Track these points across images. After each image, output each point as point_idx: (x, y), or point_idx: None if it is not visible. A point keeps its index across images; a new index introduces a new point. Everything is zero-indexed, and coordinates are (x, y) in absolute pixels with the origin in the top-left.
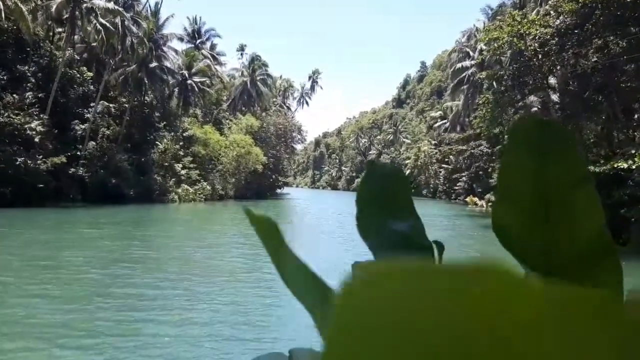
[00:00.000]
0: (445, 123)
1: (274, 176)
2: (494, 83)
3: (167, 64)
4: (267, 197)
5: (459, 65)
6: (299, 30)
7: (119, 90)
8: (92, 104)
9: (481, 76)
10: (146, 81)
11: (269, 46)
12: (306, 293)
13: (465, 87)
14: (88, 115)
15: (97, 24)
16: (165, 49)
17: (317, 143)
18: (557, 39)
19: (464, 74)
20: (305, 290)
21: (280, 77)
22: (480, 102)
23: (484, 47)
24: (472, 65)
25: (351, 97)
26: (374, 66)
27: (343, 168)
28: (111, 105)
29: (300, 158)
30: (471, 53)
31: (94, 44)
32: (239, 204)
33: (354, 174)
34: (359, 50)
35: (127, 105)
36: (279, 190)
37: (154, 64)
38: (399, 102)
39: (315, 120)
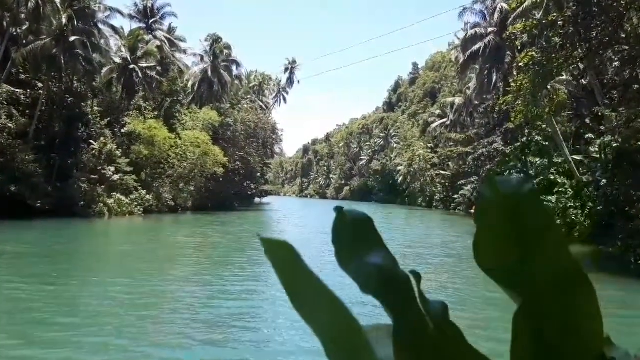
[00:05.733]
0: (445, 122)
1: (245, 183)
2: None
3: (98, 40)
4: (234, 208)
5: (471, 32)
6: (285, 32)
7: (32, 72)
8: None
9: (514, 31)
10: (63, 60)
11: (250, 47)
12: (328, 326)
13: (476, 73)
14: None
15: None
16: (100, 25)
17: (306, 150)
18: None
19: (478, 45)
20: (328, 323)
21: (256, 71)
22: (522, 63)
23: (504, 6)
24: (489, 33)
25: (341, 105)
26: (364, 70)
27: (331, 176)
28: (19, 90)
29: (288, 166)
30: (488, 17)
31: None
32: (194, 220)
33: (342, 182)
34: (349, 53)
35: (42, 92)
36: (257, 200)
37: (74, 38)
38: (389, 105)
39: (305, 129)
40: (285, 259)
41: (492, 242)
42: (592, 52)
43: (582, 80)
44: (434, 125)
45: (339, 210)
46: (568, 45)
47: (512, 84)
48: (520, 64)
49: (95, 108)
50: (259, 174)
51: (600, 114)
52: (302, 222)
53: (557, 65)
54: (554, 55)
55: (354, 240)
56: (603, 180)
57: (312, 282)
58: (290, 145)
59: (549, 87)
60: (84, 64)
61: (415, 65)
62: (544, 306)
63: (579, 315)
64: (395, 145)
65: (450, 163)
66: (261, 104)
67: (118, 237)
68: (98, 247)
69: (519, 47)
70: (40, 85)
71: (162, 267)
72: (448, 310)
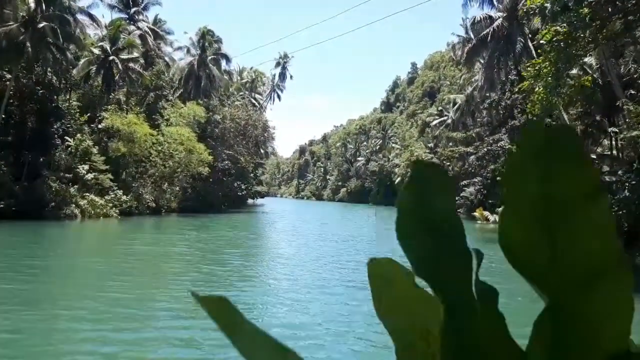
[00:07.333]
0: (446, 120)
1: (236, 184)
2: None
3: (73, 29)
4: (221, 209)
5: (479, 14)
6: (280, 32)
7: None
8: None
9: (532, 5)
10: (31, 48)
11: (242, 47)
12: None
13: (483, 66)
14: None
15: None
16: (78, 15)
17: (302, 151)
18: None
19: (486, 31)
20: None
21: (251, 68)
22: (544, 40)
23: None
24: (498, 17)
25: (338, 106)
26: (361, 71)
27: (328, 177)
28: None
29: (284, 167)
30: (496, 3)
31: None
32: (172, 223)
33: (339, 183)
34: (346, 52)
35: (9, 83)
36: (250, 201)
37: (43, 24)
38: (387, 105)
39: (302, 130)
40: (223, 314)
41: (518, 216)
42: (627, 26)
43: (588, 69)
44: (433, 124)
45: (415, 163)
46: (597, 19)
47: (529, 69)
48: (541, 41)
49: (75, 102)
50: (251, 174)
51: (624, 107)
52: (295, 228)
53: (584, 44)
54: (580, 33)
55: (423, 202)
56: (632, 182)
57: (253, 334)
58: (287, 146)
59: (568, 74)
60: (56, 53)
61: (413, 65)
62: (572, 303)
63: (612, 310)
64: (393, 145)
65: (449, 164)
66: (253, 101)
67: (68, 244)
68: (30, 259)
69: (530, 35)
70: (8, 76)
71: (81, 291)
72: (498, 298)
